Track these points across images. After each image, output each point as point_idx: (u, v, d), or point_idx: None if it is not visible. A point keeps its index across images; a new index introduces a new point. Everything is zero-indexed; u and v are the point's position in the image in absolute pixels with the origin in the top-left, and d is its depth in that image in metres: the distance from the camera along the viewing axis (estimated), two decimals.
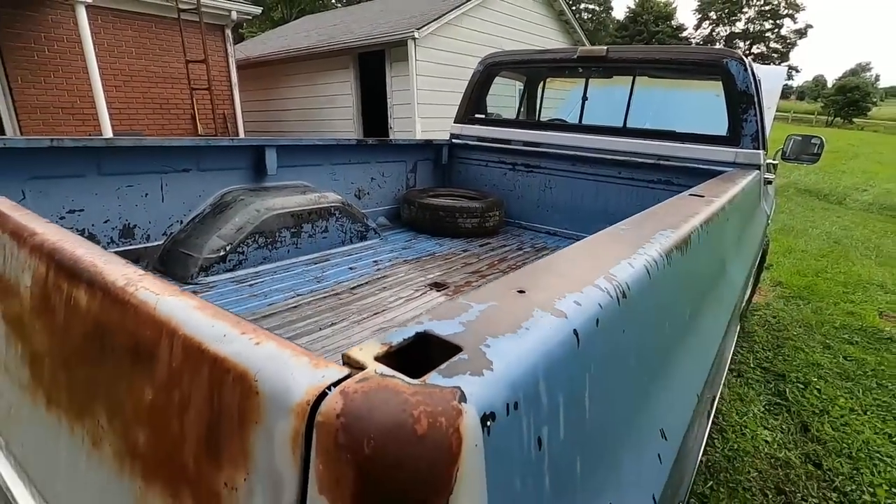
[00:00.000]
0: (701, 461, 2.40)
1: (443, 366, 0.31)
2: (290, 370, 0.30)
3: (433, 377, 0.30)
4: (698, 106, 2.77)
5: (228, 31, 8.52)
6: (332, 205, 2.38)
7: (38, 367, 0.51)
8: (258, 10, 8.96)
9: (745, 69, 2.39)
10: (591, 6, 59.09)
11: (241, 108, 8.83)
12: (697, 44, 55.03)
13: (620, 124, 2.77)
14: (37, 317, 0.50)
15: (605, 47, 2.76)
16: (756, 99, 2.40)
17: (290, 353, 0.31)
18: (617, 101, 2.89)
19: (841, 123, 42.63)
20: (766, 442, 2.58)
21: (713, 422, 2.71)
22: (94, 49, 6.22)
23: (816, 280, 5.32)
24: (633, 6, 53.91)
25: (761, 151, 2.39)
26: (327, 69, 9.59)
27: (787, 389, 3.10)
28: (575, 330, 0.40)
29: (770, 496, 2.22)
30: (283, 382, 0.30)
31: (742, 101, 2.39)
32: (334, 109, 9.69)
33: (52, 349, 0.49)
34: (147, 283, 0.41)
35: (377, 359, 0.32)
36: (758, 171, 2.35)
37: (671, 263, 0.67)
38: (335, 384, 0.28)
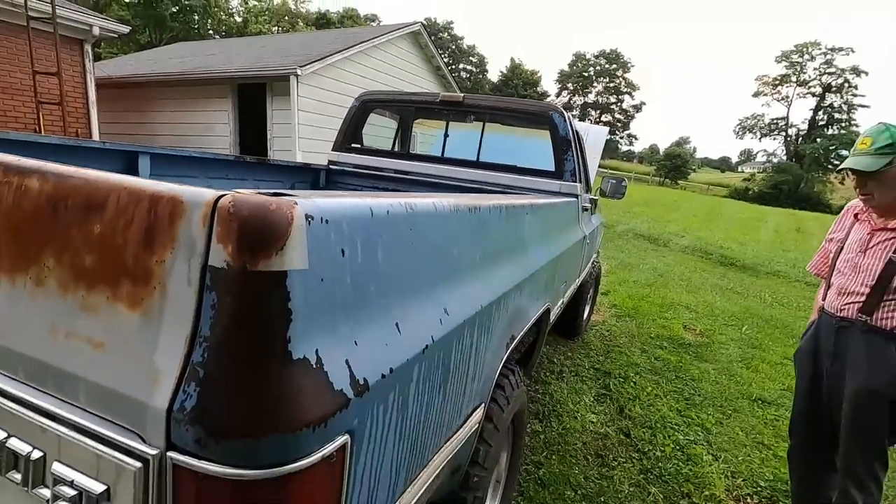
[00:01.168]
0: (539, 439, 2.83)
1: (287, 197, 0.58)
2: (203, 191, 0.55)
3: (281, 198, 0.57)
4: (535, 147, 3.40)
5: (88, 47, 7.93)
6: None
7: None
8: (125, 28, 8.50)
9: (565, 120, 3.05)
10: (468, 67, 64.62)
11: (101, 128, 8.14)
12: None
13: (474, 159, 3.28)
14: None
15: (462, 94, 3.30)
16: (573, 144, 3.06)
17: (201, 188, 0.56)
18: (475, 140, 3.42)
19: (669, 184, 51.19)
20: (592, 422, 3.12)
21: (552, 409, 3.20)
22: None
23: (641, 303, 6.38)
24: (505, 71, 60.18)
25: (578, 184, 3.03)
26: (204, 97, 9.31)
27: (611, 383, 3.74)
28: (370, 208, 0.70)
29: (591, 459, 2.71)
30: (199, 194, 0.54)
31: (563, 145, 3.03)
32: (211, 137, 9.36)
33: None
34: (87, 170, 0.62)
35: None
36: (575, 199, 2.97)
37: (458, 213, 1.02)
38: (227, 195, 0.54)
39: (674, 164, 53.48)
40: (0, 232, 0.66)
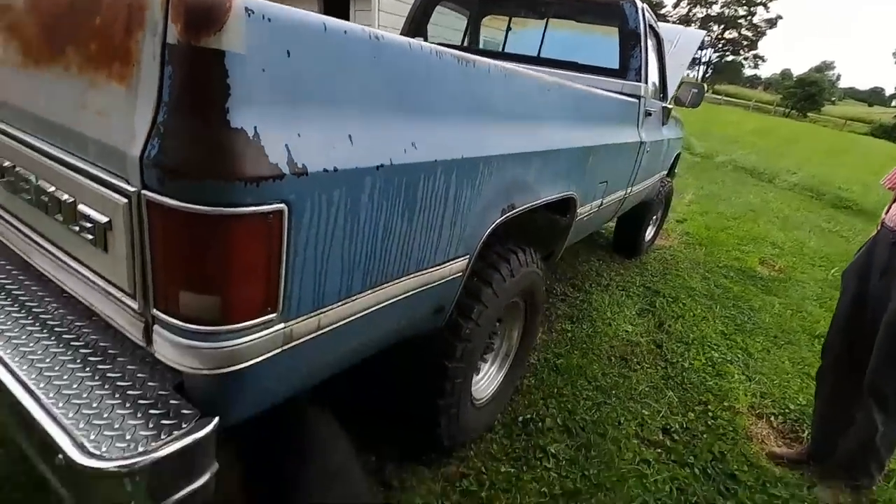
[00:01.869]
0: (566, 336, 2.94)
1: None
2: None
3: None
4: (605, 44, 3.16)
5: None
6: None
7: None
8: None
9: (637, 13, 2.79)
10: None
11: None
12: (674, 22, 55.41)
13: (535, 55, 3.15)
14: None
15: None
16: (643, 40, 2.81)
17: None
18: (553, 37, 3.25)
19: (795, 115, 44.61)
20: (626, 331, 3.15)
21: (587, 315, 3.25)
22: None
23: (720, 234, 5.96)
24: None
25: (642, 84, 2.83)
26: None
27: (658, 301, 3.69)
28: (325, 23, 0.79)
29: (614, 360, 2.78)
30: None
31: (631, 39, 2.80)
32: None
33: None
34: None
35: None
36: (636, 100, 2.80)
37: (441, 60, 1.07)
38: None
39: (807, 93, 46.06)
40: (38, 32, 0.84)
